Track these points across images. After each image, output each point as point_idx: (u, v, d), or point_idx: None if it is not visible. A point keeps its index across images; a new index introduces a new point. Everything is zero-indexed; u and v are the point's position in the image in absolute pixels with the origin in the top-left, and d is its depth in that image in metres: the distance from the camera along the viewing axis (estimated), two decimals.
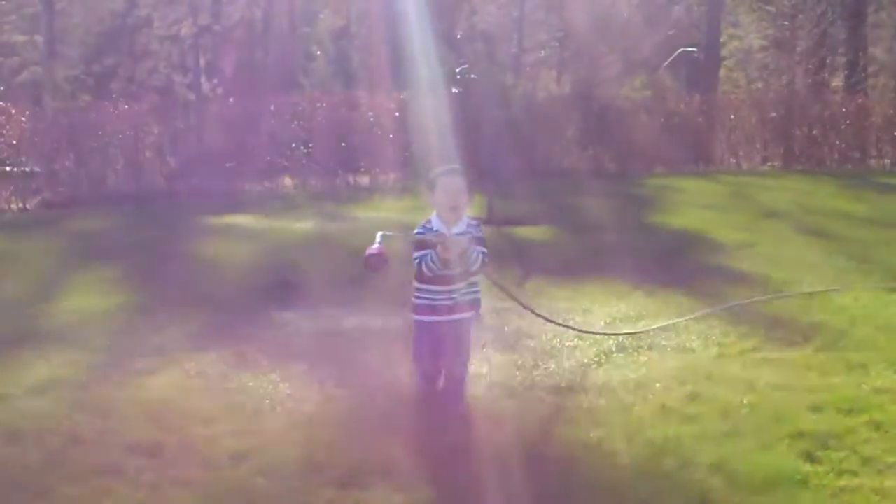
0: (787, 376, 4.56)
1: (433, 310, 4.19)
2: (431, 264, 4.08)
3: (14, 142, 13.59)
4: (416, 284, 4.24)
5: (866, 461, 3.52)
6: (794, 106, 18.88)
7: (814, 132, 18.38)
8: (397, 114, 15.25)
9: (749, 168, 18.09)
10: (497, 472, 3.44)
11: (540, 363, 4.78)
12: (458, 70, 10.69)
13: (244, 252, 8.56)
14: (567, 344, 5.15)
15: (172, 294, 6.71)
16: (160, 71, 19.25)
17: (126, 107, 15.06)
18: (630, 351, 5.04)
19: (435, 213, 4.22)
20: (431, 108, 13.33)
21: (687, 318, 5.63)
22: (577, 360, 4.84)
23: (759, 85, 27.85)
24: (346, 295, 6.32)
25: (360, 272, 6.58)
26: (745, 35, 31.13)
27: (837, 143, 18.64)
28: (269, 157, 14.92)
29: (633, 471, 3.47)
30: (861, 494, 3.23)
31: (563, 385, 4.46)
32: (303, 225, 10.04)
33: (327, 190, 14.29)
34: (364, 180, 15.18)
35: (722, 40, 29.30)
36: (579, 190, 13.33)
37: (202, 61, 17.08)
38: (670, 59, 28.53)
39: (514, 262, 7.57)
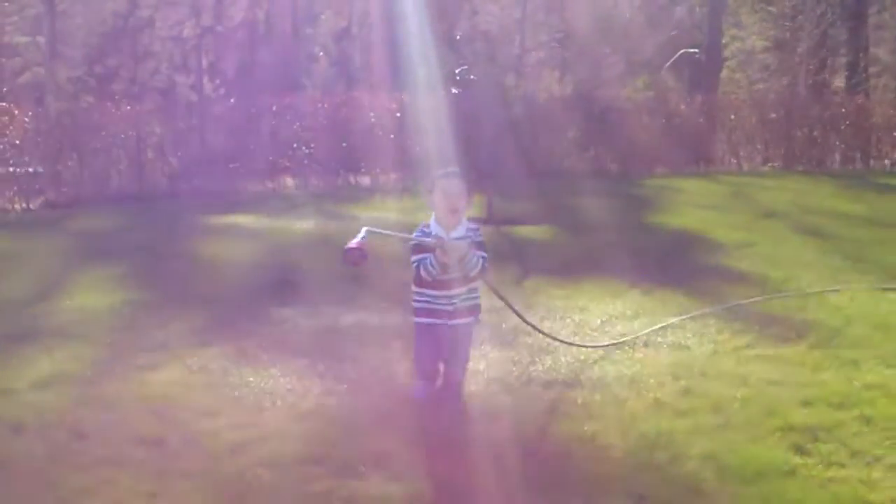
0: (780, 372, 4.63)
1: (433, 313, 4.16)
2: (430, 268, 4.06)
3: (17, 142, 13.65)
4: (414, 288, 4.22)
5: (855, 454, 3.59)
6: (794, 107, 18.95)
7: (814, 133, 18.44)
8: (398, 114, 15.32)
9: (749, 169, 18.16)
10: (492, 464, 3.52)
11: (536, 359, 4.85)
12: (457, 71, 10.74)
13: (245, 251, 8.63)
14: (561, 337, 5.20)
15: (175, 292, 6.78)
16: (162, 72, 19.32)
17: (128, 107, 15.14)
18: (625, 348, 5.11)
19: (433, 216, 4.19)
20: (432, 108, 13.41)
21: (680, 318, 5.68)
22: (573, 357, 4.90)
23: (761, 86, 27.88)
24: (346, 293, 6.39)
25: (357, 270, 6.71)
26: (748, 36, 31.18)
27: (838, 143, 18.70)
28: (270, 158, 14.99)
29: (625, 463, 3.54)
30: (848, 485, 3.30)
31: (558, 380, 4.53)
32: (304, 224, 10.12)
33: (328, 190, 14.36)
34: (365, 180, 15.25)
35: (724, 41, 29.36)
36: (579, 190, 13.39)
37: (204, 62, 17.15)
38: (672, 60, 28.58)
39: (514, 261, 7.65)
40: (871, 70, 27.22)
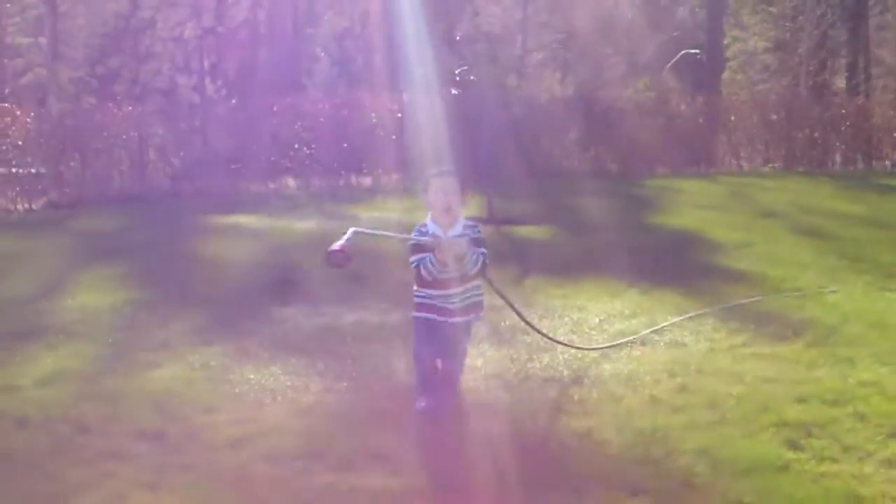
0: (776, 369, 4.66)
1: (433, 309, 4.13)
2: (430, 267, 4.02)
3: (20, 143, 13.72)
4: (415, 288, 4.20)
5: (847, 449, 3.63)
6: (794, 108, 19.00)
7: (815, 134, 18.49)
8: (399, 115, 15.38)
9: (750, 169, 18.20)
10: (489, 459, 3.56)
11: (534, 357, 4.89)
12: (457, 71, 10.80)
13: (247, 251, 8.69)
14: (561, 339, 5.25)
15: (176, 291, 6.84)
16: (164, 73, 19.38)
17: (130, 108, 15.20)
18: (623, 346, 5.15)
19: (430, 215, 4.18)
20: (432, 109, 13.47)
21: (681, 318, 5.70)
22: (571, 355, 4.94)
23: (762, 87, 27.95)
24: (346, 292, 6.44)
25: (357, 270, 6.77)
26: (749, 37, 31.24)
27: (838, 144, 18.75)
28: (272, 158, 15.06)
29: (621, 458, 3.58)
30: (840, 479, 3.34)
31: (556, 378, 4.58)
32: (305, 224, 10.17)
33: (329, 190, 14.41)
34: (366, 181, 15.31)
35: (726, 42, 29.41)
36: (579, 190, 13.45)
37: (206, 63, 17.21)
38: (673, 60, 28.64)
39: (513, 260, 7.70)
40: (875, 71, 27.26)
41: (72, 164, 14.23)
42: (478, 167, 10.46)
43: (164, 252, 8.67)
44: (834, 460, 3.52)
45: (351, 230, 4.00)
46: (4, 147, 13.59)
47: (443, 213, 4.11)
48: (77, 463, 3.53)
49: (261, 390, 4.40)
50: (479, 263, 4.08)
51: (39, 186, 13.84)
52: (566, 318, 5.78)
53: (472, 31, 23.30)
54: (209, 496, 3.27)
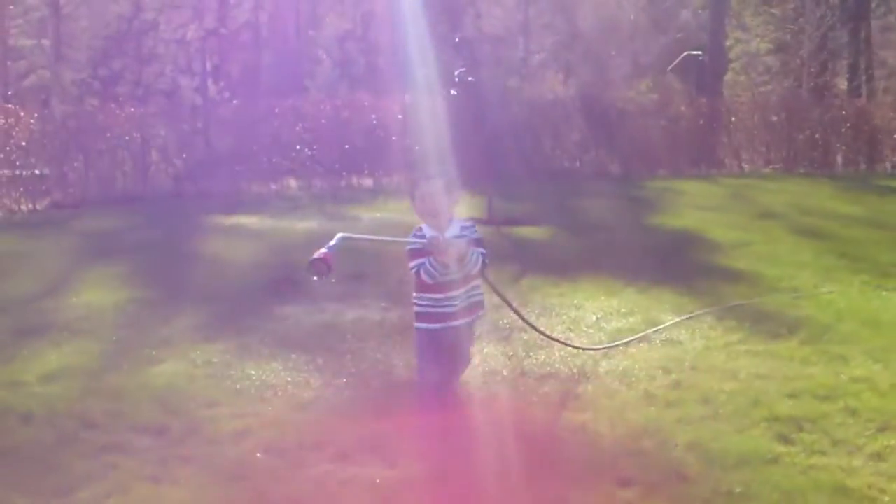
0: (769, 366, 4.73)
1: (435, 317, 4.07)
2: (431, 270, 3.96)
3: (23, 143, 13.81)
4: (415, 293, 4.13)
5: (837, 443, 3.69)
6: (795, 109, 19.04)
7: (816, 136, 18.53)
8: (399, 116, 15.45)
9: (751, 171, 18.26)
10: (485, 451, 3.64)
11: (531, 354, 4.96)
12: (456, 73, 10.87)
13: (249, 250, 8.77)
14: (558, 337, 5.31)
15: (179, 290, 6.92)
16: (167, 74, 19.47)
17: (133, 110, 15.29)
18: (622, 345, 5.20)
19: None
20: (433, 110, 13.55)
21: (682, 318, 5.74)
22: (567, 352, 5.00)
23: (764, 88, 27.98)
24: (346, 291, 6.51)
25: (358, 269, 6.85)
26: (752, 38, 31.28)
27: (839, 146, 18.80)
28: (273, 159, 15.14)
29: (614, 450, 3.65)
30: (828, 472, 3.41)
31: (552, 374, 4.65)
32: (306, 225, 10.25)
33: (331, 191, 14.49)
34: (367, 182, 15.38)
35: (728, 44, 29.45)
36: (581, 191, 13.53)
37: (208, 65, 17.30)
38: (675, 62, 28.69)
39: (512, 260, 7.76)
40: (878, 73, 27.28)
41: (75, 164, 14.32)
42: (478, 168, 10.53)
43: (167, 251, 8.75)
44: (823, 453, 3.59)
45: (339, 236, 3.92)
46: (9, 148, 13.68)
47: (432, 218, 4.07)
48: (82, 456, 3.61)
49: (262, 386, 4.48)
50: (480, 263, 4.05)
51: (43, 187, 13.94)
52: (563, 317, 5.85)
53: (475, 33, 23.34)
54: (211, 487, 3.35)
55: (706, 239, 9.23)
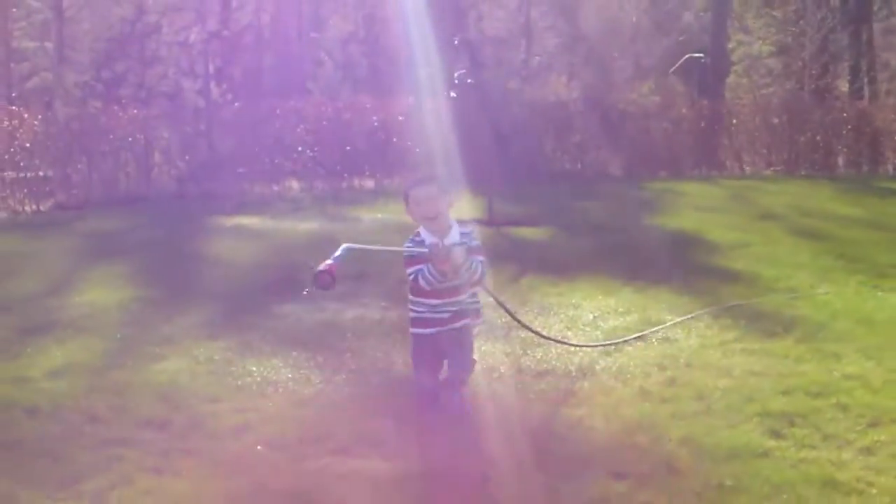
0: (763, 364, 4.80)
1: (430, 322, 4.06)
2: (429, 277, 3.93)
3: (27, 145, 13.90)
4: (411, 297, 4.11)
5: (827, 437, 3.76)
6: (795, 111, 19.08)
7: (817, 138, 18.57)
8: (400, 118, 15.52)
9: (752, 172, 18.30)
10: (481, 445, 3.71)
11: (528, 352, 5.03)
12: (456, 75, 10.94)
13: (251, 250, 8.84)
14: (555, 335, 5.38)
15: (181, 289, 6.99)
16: (169, 77, 19.54)
17: (136, 112, 15.36)
18: (621, 343, 5.26)
19: (422, 224, 4.09)
20: (434, 112, 13.61)
21: (682, 318, 5.78)
22: (564, 350, 5.07)
23: (766, 91, 28.01)
24: (347, 290, 6.57)
25: (358, 269, 6.92)
26: (754, 41, 31.31)
27: (840, 147, 18.83)
28: (276, 161, 15.21)
29: (607, 444, 3.73)
30: (818, 465, 3.48)
31: (548, 371, 4.72)
32: (308, 225, 10.31)
33: (332, 193, 14.55)
34: (369, 184, 15.45)
35: (731, 46, 29.48)
36: (581, 193, 13.58)
37: (211, 67, 17.36)
38: (677, 64, 28.73)
39: (511, 260, 7.82)
40: (881, 75, 27.29)
41: (79, 166, 14.38)
42: (479, 169, 10.60)
43: (170, 251, 8.82)
44: (814, 448, 3.65)
45: (343, 247, 3.91)
46: (13, 150, 13.76)
47: (429, 222, 4.05)
48: (86, 449, 3.69)
49: (263, 382, 4.55)
50: (479, 273, 4.01)
51: (47, 188, 13.99)
52: (561, 315, 5.92)
53: (477, 35, 23.41)
54: (212, 479, 3.42)
55: (705, 240, 9.29)
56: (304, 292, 3.89)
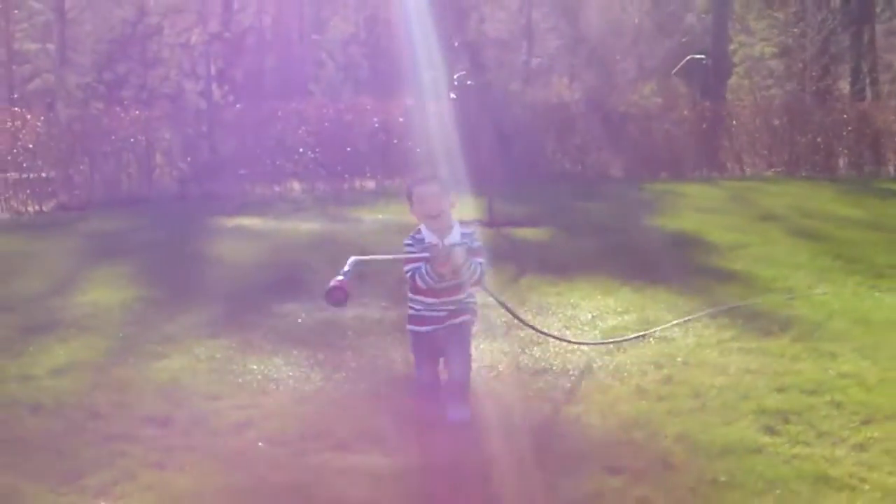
0: (759, 362, 4.84)
1: (426, 320, 4.09)
2: (426, 277, 3.95)
3: (30, 146, 13.96)
4: (410, 295, 4.14)
5: (821, 434, 3.81)
6: (796, 112, 19.11)
7: (818, 139, 18.59)
8: (401, 119, 15.57)
9: (753, 174, 18.33)
10: (480, 441, 3.76)
11: (526, 350, 5.08)
12: (455, 76, 10.99)
13: (252, 250, 8.88)
14: (557, 334, 5.42)
15: (183, 288, 7.03)
16: (171, 78, 19.60)
17: (138, 113, 15.41)
18: (621, 342, 5.30)
19: (423, 223, 4.11)
20: (436, 113, 13.67)
21: (683, 320, 5.80)
22: (562, 348, 5.12)
23: (767, 92, 28.03)
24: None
25: (359, 269, 6.94)
26: (756, 42, 31.32)
27: (841, 149, 18.86)
28: (277, 162, 15.26)
29: (604, 441, 3.77)
30: (811, 461, 3.52)
31: (546, 369, 4.77)
32: (309, 226, 10.36)
33: (334, 194, 14.60)
34: (370, 184, 15.50)
35: (732, 47, 29.50)
36: (582, 194, 13.62)
37: (213, 69, 17.42)
38: (679, 66, 28.75)
39: (511, 260, 7.87)
40: (883, 77, 27.27)
41: (81, 167, 14.43)
42: (480, 170, 10.64)
43: (171, 252, 8.87)
44: (807, 444, 3.70)
45: (351, 260, 3.89)
46: (15, 150, 13.83)
47: (432, 220, 4.06)
48: (89, 444, 3.74)
49: (263, 380, 4.60)
50: (478, 275, 4.02)
51: (49, 189, 14.05)
52: (559, 315, 5.97)
53: (478, 37, 23.46)
54: (214, 474, 3.47)
55: (704, 240, 9.32)
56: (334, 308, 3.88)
